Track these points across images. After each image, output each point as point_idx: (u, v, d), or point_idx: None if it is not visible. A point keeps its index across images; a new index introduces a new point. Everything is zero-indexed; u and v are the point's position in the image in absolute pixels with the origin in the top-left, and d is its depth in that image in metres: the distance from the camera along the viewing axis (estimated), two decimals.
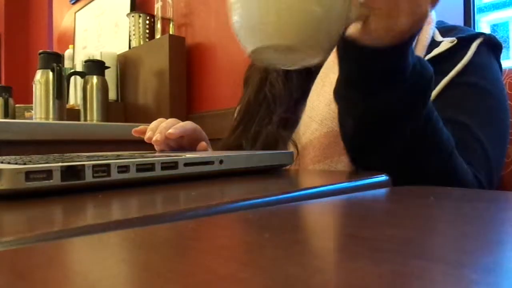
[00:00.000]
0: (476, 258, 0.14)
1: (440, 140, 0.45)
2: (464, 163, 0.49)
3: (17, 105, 1.91)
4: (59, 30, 2.85)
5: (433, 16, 0.67)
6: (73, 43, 2.51)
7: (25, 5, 3.24)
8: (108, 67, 1.69)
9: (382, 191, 0.31)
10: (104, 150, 0.67)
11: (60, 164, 0.29)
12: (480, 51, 0.61)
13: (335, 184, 0.30)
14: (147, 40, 1.82)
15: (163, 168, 0.35)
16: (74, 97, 1.98)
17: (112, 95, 1.80)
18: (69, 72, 1.68)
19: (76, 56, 2.38)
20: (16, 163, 0.31)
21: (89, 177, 0.30)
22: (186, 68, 1.66)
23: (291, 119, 0.63)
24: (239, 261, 0.15)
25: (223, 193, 0.33)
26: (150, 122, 0.67)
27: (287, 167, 0.46)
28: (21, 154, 0.50)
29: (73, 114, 1.67)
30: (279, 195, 0.26)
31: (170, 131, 0.61)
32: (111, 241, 0.18)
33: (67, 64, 2.21)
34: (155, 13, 1.80)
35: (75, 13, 2.59)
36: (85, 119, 1.62)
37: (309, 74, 0.64)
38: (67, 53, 2.29)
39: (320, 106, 0.58)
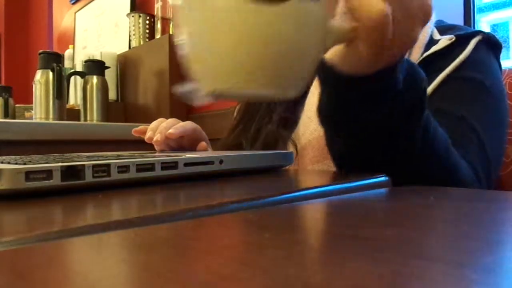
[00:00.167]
0: (476, 258, 0.14)
1: (438, 146, 0.43)
2: (459, 158, 0.47)
3: (17, 105, 1.91)
4: (59, 30, 2.85)
5: (433, 16, 0.66)
6: (73, 43, 2.51)
7: (25, 5, 3.24)
8: (108, 67, 1.69)
9: (382, 191, 0.31)
10: (104, 150, 0.67)
11: (60, 164, 0.29)
12: (478, 48, 0.60)
13: (335, 184, 0.30)
14: (147, 40, 1.82)
15: (163, 168, 0.35)
16: (74, 97, 1.98)
17: (112, 95, 1.80)
18: (69, 72, 1.68)
19: (76, 56, 2.38)
20: (16, 163, 0.31)
21: (89, 177, 0.30)
22: None
23: (291, 118, 0.63)
24: (239, 261, 0.15)
25: (223, 193, 0.33)
26: (150, 122, 0.67)
27: (287, 167, 0.46)
28: (21, 154, 0.50)
29: (73, 114, 1.67)
30: (279, 195, 0.26)
31: (170, 131, 0.61)
32: (111, 241, 0.18)
33: (67, 64, 2.21)
34: (155, 13, 1.80)
35: (75, 13, 2.59)
36: (85, 119, 1.62)
37: None
38: (67, 53, 2.29)
39: None
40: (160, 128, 0.63)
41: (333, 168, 0.55)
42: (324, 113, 0.42)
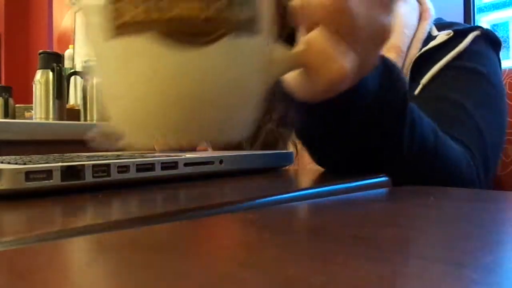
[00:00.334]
0: (476, 258, 0.14)
1: (427, 139, 0.41)
2: (450, 144, 0.45)
3: (17, 105, 1.91)
4: (59, 30, 2.84)
5: (432, 12, 0.67)
6: (73, 43, 2.51)
7: (25, 5, 3.24)
8: None
9: (382, 191, 0.31)
10: (104, 150, 0.67)
11: (60, 164, 0.29)
12: (477, 42, 0.60)
13: (335, 184, 0.30)
14: None
15: (163, 168, 0.35)
16: (74, 97, 1.98)
17: None
18: (69, 72, 1.68)
19: (76, 56, 2.37)
20: (16, 163, 0.31)
21: (89, 177, 0.30)
22: None
23: (291, 118, 0.63)
24: (239, 261, 0.15)
25: (223, 193, 0.33)
26: None
27: (287, 167, 0.46)
28: (21, 154, 0.50)
29: (73, 114, 1.67)
30: (279, 195, 0.26)
31: None
32: (111, 241, 0.18)
33: (67, 64, 2.21)
34: None
35: (75, 13, 2.59)
36: (85, 119, 1.62)
37: None
38: (67, 53, 2.29)
39: None
40: None
41: None
42: (297, 132, 0.41)
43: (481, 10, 1.86)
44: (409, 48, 0.63)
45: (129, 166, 0.33)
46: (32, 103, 1.58)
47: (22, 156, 0.42)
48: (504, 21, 1.81)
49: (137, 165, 0.33)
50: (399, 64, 0.61)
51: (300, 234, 0.18)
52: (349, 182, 0.30)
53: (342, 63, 0.27)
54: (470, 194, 0.29)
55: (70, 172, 0.30)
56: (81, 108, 1.64)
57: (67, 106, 1.66)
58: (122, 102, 0.25)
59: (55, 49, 2.73)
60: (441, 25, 0.65)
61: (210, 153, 0.45)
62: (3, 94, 1.82)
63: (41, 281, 0.13)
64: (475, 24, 1.31)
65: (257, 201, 0.25)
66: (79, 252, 0.16)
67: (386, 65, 0.37)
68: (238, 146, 0.69)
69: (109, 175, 0.32)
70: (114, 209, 0.26)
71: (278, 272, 0.13)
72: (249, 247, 0.17)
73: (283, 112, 0.64)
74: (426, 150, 0.40)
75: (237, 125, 0.27)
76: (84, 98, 1.62)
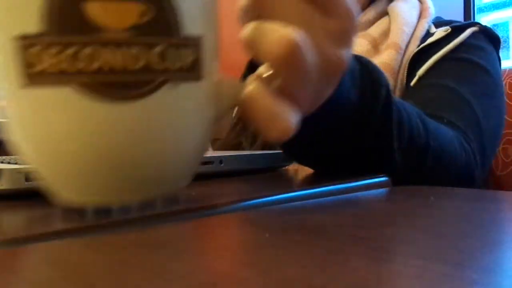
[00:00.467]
0: (476, 258, 0.14)
1: (416, 131, 0.38)
2: (443, 127, 0.43)
3: None
4: None
5: (432, 11, 0.67)
6: None
7: None
8: None
9: (382, 191, 0.31)
10: None
11: None
12: (475, 36, 0.60)
13: (335, 184, 0.30)
14: None
15: None
16: None
17: None
18: None
19: None
20: (16, 163, 0.31)
21: None
22: None
23: None
24: (239, 261, 0.15)
25: (223, 193, 0.33)
26: None
27: (287, 167, 0.46)
28: None
29: None
30: (279, 195, 0.26)
31: None
32: (111, 241, 0.18)
33: None
34: None
35: None
36: None
37: None
38: None
39: None
40: None
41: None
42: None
43: (481, 10, 1.86)
44: (407, 45, 0.63)
45: None
46: None
47: None
48: (504, 21, 1.81)
49: None
50: (397, 60, 0.62)
51: (300, 234, 0.18)
52: (349, 182, 0.30)
53: (285, 122, 0.23)
54: (470, 194, 0.29)
55: None
56: None
57: None
58: (46, 159, 0.22)
59: None
60: (439, 23, 0.65)
61: (210, 153, 0.45)
62: None
63: (40, 281, 0.13)
64: None
65: (257, 201, 0.25)
66: (78, 252, 0.16)
67: (362, 63, 0.35)
68: (237, 146, 0.69)
69: None
70: (113, 209, 0.26)
71: (278, 272, 0.13)
72: (249, 247, 0.17)
73: None
74: (416, 142, 0.38)
75: (177, 176, 0.25)
76: None
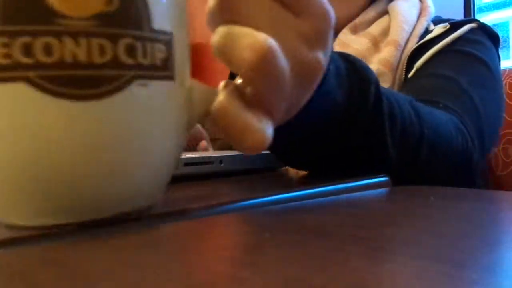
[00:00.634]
0: (476, 258, 0.14)
1: (410, 125, 0.37)
2: (436, 112, 0.42)
3: None
4: None
5: (431, 10, 0.67)
6: None
7: None
8: None
9: (382, 191, 0.31)
10: None
11: None
12: (474, 32, 0.61)
13: (335, 184, 0.30)
14: None
15: None
16: None
17: None
18: None
19: None
20: None
21: None
22: None
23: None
24: (239, 261, 0.15)
25: (223, 193, 0.33)
26: None
27: (287, 167, 0.46)
28: None
29: None
30: (279, 195, 0.26)
31: None
32: (111, 241, 0.18)
33: None
34: None
35: None
36: None
37: None
38: None
39: None
40: None
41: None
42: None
43: (481, 10, 1.86)
44: (406, 42, 0.64)
45: None
46: None
47: None
48: (504, 21, 1.81)
49: None
50: (396, 57, 0.62)
51: (300, 234, 0.18)
52: (349, 182, 0.30)
53: (258, 133, 0.22)
54: (470, 194, 0.29)
55: None
56: None
57: None
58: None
59: None
60: (438, 21, 0.66)
61: (210, 153, 0.45)
62: None
63: (41, 281, 0.13)
64: None
65: (257, 201, 0.25)
66: (78, 252, 0.16)
67: (348, 62, 0.34)
68: None
69: None
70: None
71: (278, 272, 0.13)
72: (249, 247, 0.17)
73: None
74: (410, 133, 0.37)
75: (145, 190, 0.22)
76: None
